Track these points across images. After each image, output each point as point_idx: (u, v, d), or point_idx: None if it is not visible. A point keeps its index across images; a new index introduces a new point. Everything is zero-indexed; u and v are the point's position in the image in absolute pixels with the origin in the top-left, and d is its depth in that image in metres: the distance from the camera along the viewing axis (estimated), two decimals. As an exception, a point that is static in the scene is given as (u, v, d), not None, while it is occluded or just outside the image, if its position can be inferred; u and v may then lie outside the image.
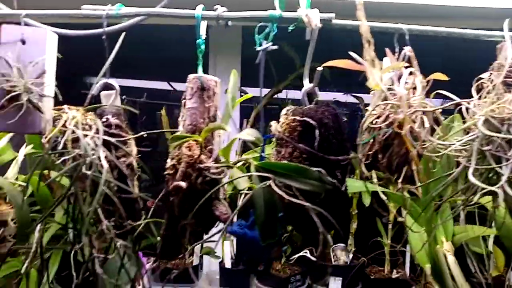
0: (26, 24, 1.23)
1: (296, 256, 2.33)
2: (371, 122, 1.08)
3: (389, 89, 1.04)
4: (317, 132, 1.04)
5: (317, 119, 1.05)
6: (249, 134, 1.01)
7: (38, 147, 1.48)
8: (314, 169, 1.01)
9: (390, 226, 2.18)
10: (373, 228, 2.25)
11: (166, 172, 1.13)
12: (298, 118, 1.06)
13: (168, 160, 1.13)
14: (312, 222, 1.05)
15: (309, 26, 1.10)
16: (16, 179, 1.34)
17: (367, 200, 1.77)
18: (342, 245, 2.42)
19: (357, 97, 2.33)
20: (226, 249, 2.15)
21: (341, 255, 2.43)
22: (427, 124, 1.04)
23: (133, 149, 1.19)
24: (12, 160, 1.44)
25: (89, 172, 0.99)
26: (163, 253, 1.17)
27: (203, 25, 1.16)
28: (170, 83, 3.72)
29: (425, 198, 1.16)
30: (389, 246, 2.22)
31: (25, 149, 1.44)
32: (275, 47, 1.13)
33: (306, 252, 2.40)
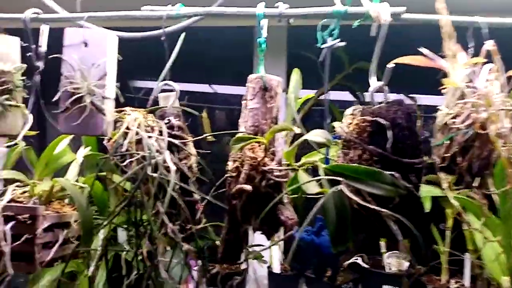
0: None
1: (348, 262, 2.25)
2: (447, 123, 1.01)
3: (468, 86, 0.96)
4: (389, 133, 0.98)
5: (389, 119, 0.99)
6: (317, 135, 0.96)
7: (95, 149, 1.49)
8: (387, 172, 0.95)
9: (448, 233, 2.07)
10: (429, 234, 2.14)
11: (227, 175, 1.10)
12: (368, 118, 1.00)
13: (229, 162, 1.10)
14: (382, 229, 0.99)
15: (378, 21, 1.04)
16: (76, 181, 1.35)
17: (427, 205, 1.68)
18: (397, 252, 2.32)
19: (411, 98, 2.23)
20: (275, 254, 2.11)
21: (396, 263, 2.34)
22: (507, 124, 0.96)
23: (193, 151, 1.17)
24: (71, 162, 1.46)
25: (155, 175, 0.98)
26: (224, 256, 1.14)
27: (265, 24, 1.13)
28: (211, 85, 3.73)
29: (505, 206, 1.07)
30: (446, 254, 2.11)
31: (83, 151, 1.45)
32: (343, 43, 1.08)
33: (357, 259, 2.32)
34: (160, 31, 1.23)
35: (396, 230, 0.93)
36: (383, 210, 0.91)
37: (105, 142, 1.13)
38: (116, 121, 1.19)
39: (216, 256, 1.16)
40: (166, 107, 1.20)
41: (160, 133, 1.08)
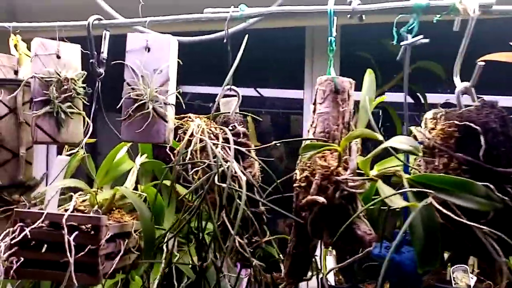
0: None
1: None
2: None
3: None
4: (482, 138, 0.87)
5: (480, 123, 0.88)
6: (402, 142, 0.87)
7: (150, 156, 1.46)
8: (481, 183, 0.84)
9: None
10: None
11: (296, 185, 1.02)
12: (456, 122, 0.90)
13: (297, 171, 1.03)
14: (473, 247, 0.88)
15: (465, 15, 0.94)
16: (135, 189, 1.32)
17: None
18: (464, 266, 2.15)
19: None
20: (329, 265, 2.01)
21: (463, 278, 2.17)
22: None
23: (255, 159, 1.10)
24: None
25: (224, 185, 0.92)
26: (291, 271, 1.06)
27: (335, 21, 1.05)
28: (257, 89, 3.67)
29: None
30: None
31: (140, 159, 1.43)
32: (426, 40, 0.98)
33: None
34: (222, 33, 1.18)
35: (492, 249, 0.81)
36: (480, 226, 0.80)
37: (169, 150, 1.08)
38: (177, 128, 1.15)
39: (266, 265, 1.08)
40: (229, 113, 1.14)
41: (226, 140, 1.02)
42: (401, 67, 2.56)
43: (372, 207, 1.00)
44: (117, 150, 1.31)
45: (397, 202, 0.84)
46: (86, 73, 1.25)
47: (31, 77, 1.19)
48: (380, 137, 0.87)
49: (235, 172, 0.94)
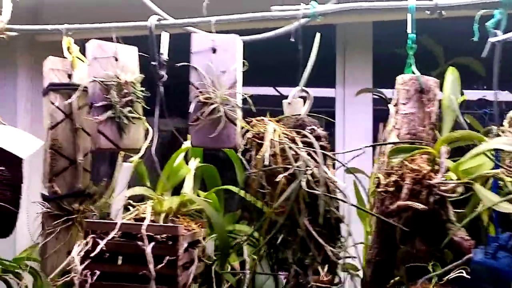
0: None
1: (450, 276, 2.07)
2: None
3: None
4: None
5: None
6: (505, 143, 0.83)
7: (201, 161, 1.42)
8: None
9: None
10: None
11: (380, 190, 0.98)
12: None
13: (380, 176, 0.99)
14: None
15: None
16: (197, 195, 1.28)
17: None
18: None
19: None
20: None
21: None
22: None
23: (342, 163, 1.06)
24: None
25: (318, 192, 0.88)
26: (374, 280, 1.02)
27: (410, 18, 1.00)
28: (276, 88, 3.61)
29: None
30: None
31: (194, 163, 1.38)
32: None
33: (462, 272, 2.13)
34: (286, 28, 1.13)
35: None
36: None
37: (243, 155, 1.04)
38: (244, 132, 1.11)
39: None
40: (299, 114, 1.10)
41: (306, 144, 0.98)
42: (437, 64, 2.50)
43: (462, 211, 0.96)
44: (176, 156, 1.26)
45: (505, 207, 0.80)
46: (144, 76, 1.21)
47: (91, 81, 1.14)
48: (486, 139, 0.83)
49: (327, 178, 0.89)
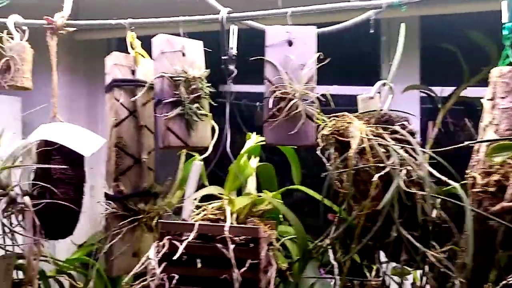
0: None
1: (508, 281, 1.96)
2: None
3: None
4: None
5: None
6: None
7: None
8: None
9: None
10: None
11: (477, 190, 0.91)
12: None
13: (476, 175, 0.92)
14: None
15: None
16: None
17: None
18: None
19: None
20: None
21: None
22: None
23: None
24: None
25: (422, 193, 0.81)
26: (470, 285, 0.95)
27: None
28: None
29: None
30: None
31: (255, 162, 1.33)
32: None
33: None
34: (359, 18, 1.07)
35: None
36: None
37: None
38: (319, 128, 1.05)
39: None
40: (381, 110, 1.04)
41: (398, 140, 0.91)
42: (488, 60, 2.40)
43: None
44: (242, 155, 1.21)
45: None
46: (209, 71, 1.16)
47: (159, 77, 1.10)
48: None
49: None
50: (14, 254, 1.25)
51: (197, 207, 1.13)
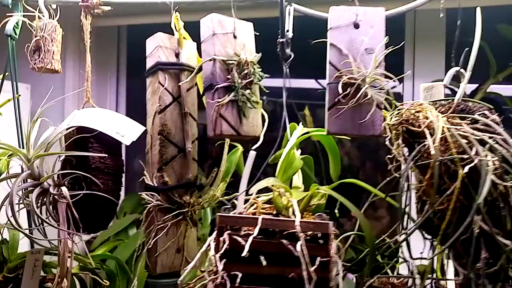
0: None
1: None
2: None
3: None
4: None
5: None
6: None
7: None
8: None
9: None
10: None
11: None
12: None
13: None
14: None
15: None
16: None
17: None
18: None
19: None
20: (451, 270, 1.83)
21: None
22: None
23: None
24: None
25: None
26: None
27: None
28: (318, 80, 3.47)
29: None
30: None
31: (298, 153, 1.26)
32: None
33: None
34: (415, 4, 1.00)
35: None
36: None
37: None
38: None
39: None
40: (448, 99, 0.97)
41: (480, 130, 0.84)
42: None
43: None
44: (292, 147, 1.13)
45: None
46: (261, 55, 1.09)
47: (210, 59, 1.02)
48: None
49: None
50: (43, 249, 1.17)
51: (244, 201, 1.05)
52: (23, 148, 1.09)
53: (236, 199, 1.04)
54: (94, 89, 2.67)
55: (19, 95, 1.29)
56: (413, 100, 2.21)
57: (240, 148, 1.22)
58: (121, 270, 1.47)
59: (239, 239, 0.84)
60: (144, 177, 1.09)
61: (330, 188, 1.10)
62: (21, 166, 1.07)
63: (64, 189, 1.00)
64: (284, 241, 0.84)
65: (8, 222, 1.11)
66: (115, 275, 1.43)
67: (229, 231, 0.87)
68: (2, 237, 1.26)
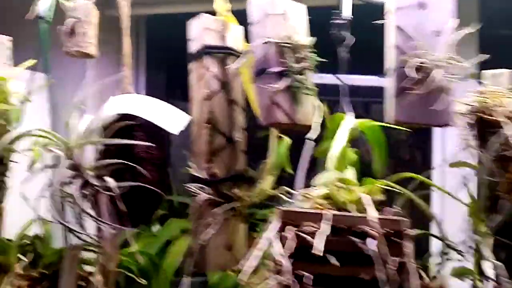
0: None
1: None
2: None
3: None
4: None
5: None
6: None
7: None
8: None
9: None
10: None
11: None
12: None
13: None
14: None
15: None
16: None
17: None
18: None
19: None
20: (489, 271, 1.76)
21: None
22: None
23: None
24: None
25: None
26: None
27: None
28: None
29: None
30: None
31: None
32: None
33: None
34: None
35: None
36: None
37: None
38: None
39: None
40: None
41: None
42: None
43: None
44: (348, 141, 1.07)
45: None
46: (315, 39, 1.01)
47: (263, 42, 0.95)
48: None
49: None
50: (81, 245, 1.11)
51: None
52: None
53: (286, 193, 0.99)
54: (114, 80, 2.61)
55: (52, 81, 1.23)
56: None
57: (287, 139, 1.15)
58: (154, 268, 1.41)
59: (307, 236, 0.78)
60: (190, 168, 1.03)
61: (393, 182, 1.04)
62: (58, 156, 1.01)
63: (109, 180, 0.94)
64: (356, 239, 0.78)
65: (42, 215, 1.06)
66: (148, 272, 1.38)
67: (294, 228, 0.81)
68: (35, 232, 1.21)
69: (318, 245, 0.74)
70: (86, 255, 1.17)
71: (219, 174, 1.00)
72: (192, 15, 1.08)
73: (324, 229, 0.77)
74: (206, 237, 0.96)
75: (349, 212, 0.90)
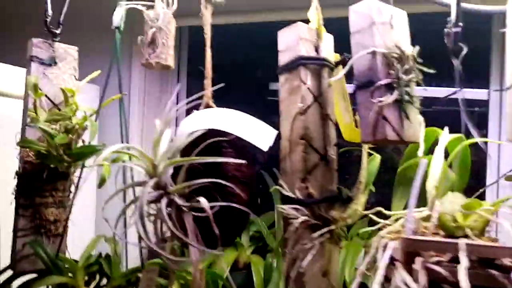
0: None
1: None
2: None
3: None
4: None
5: None
6: None
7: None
8: None
9: None
10: None
11: None
12: None
13: None
14: None
15: None
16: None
17: None
18: None
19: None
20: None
21: None
22: None
23: None
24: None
25: None
26: None
27: None
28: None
29: None
30: None
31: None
32: None
33: None
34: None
35: None
36: None
37: None
38: None
39: None
40: None
41: None
42: None
43: None
44: (452, 157, 0.98)
45: None
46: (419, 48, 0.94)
47: (371, 52, 0.87)
48: None
49: None
50: (157, 268, 1.04)
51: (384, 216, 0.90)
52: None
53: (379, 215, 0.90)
54: (157, 90, 2.57)
55: (125, 94, 1.17)
56: (500, 108, 2.06)
57: (377, 156, 1.07)
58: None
59: (441, 269, 0.69)
60: (281, 188, 0.95)
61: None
62: (144, 174, 0.94)
63: (202, 200, 0.86)
64: (496, 273, 0.69)
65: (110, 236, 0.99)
66: (214, 293, 1.30)
67: (422, 260, 0.72)
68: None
69: (463, 282, 0.65)
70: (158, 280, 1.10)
71: (314, 194, 0.92)
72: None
73: (464, 262, 0.68)
74: (304, 264, 0.87)
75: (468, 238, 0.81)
